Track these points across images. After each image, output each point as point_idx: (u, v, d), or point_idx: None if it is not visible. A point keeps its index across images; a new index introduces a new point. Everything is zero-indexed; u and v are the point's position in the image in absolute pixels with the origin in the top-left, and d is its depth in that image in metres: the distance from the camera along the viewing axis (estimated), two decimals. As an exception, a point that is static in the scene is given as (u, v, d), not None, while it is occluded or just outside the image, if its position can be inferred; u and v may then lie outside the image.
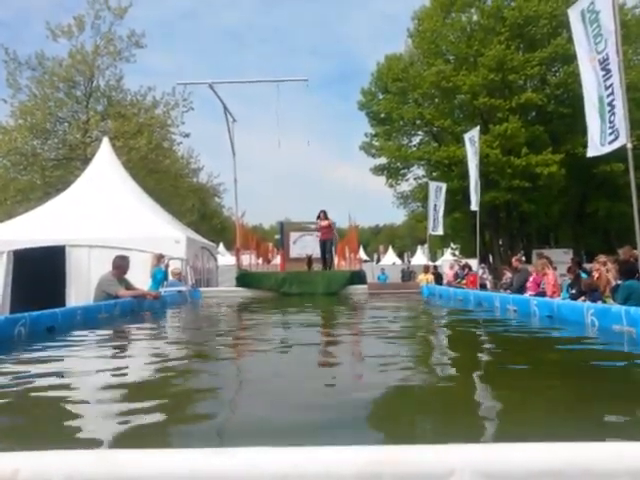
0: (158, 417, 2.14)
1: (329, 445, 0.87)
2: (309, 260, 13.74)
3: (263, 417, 2.03)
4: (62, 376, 3.06)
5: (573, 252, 24.80)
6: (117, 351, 3.75)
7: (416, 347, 4.10)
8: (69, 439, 1.76)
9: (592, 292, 8.13)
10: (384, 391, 2.51)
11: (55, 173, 22.10)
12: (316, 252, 14.03)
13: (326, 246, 13.65)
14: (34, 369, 3.15)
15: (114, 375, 3.01)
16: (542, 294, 9.45)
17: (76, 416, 2.14)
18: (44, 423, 2.04)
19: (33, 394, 2.52)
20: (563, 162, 23.46)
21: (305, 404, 2.28)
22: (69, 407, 2.30)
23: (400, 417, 2.11)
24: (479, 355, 3.63)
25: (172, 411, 2.23)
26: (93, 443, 1.71)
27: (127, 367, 3.30)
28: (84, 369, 3.18)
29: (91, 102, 23.08)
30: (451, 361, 3.43)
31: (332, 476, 0.82)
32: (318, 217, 13.82)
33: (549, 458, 0.82)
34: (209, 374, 3.11)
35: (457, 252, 36.49)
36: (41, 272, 11.26)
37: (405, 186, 30.68)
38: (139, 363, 3.38)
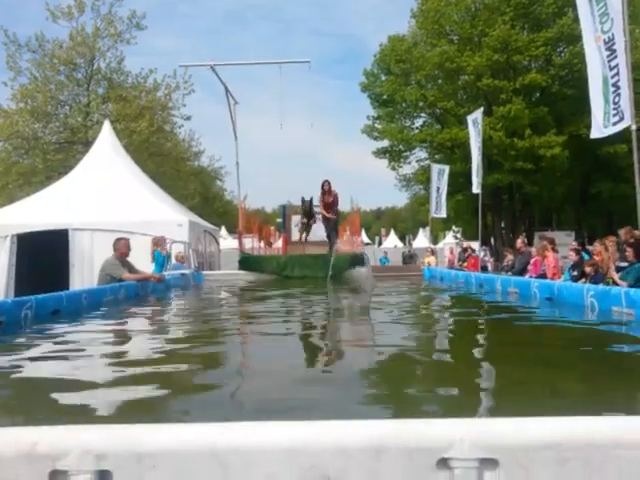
0: (167, 392, 2.20)
1: (336, 419, 0.90)
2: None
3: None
4: (74, 356, 3.12)
5: (576, 234, 24.80)
6: (125, 331, 3.80)
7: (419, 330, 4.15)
8: (83, 414, 1.81)
9: (594, 274, 8.17)
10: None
11: (57, 157, 22.06)
12: (316, 235, 13.64)
13: (328, 226, 12.52)
14: (45, 349, 3.22)
15: (123, 354, 3.07)
16: (543, 276, 9.49)
17: (89, 393, 2.20)
18: (58, 399, 2.09)
19: (46, 373, 2.59)
20: (567, 144, 23.29)
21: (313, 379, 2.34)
22: (83, 384, 2.36)
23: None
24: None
25: (180, 387, 2.29)
26: (105, 418, 1.76)
27: (134, 347, 3.36)
28: (94, 349, 3.24)
29: (92, 85, 22.96)
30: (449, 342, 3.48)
31: (339, 449, 0.85)
32: (322, 189, 12.34)
33: (541, 431, 0.86)
34: (214, 352, 3.18)
35: (459, 235, 36.47)
36: (44, 256, 11.33)
37: (407, 169, 30.56)
38: (146, 344, 3.44)
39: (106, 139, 14.94)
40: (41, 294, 4.67)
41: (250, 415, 1.78)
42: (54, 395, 2.13)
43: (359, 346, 3.46)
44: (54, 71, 22.28)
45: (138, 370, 2.62)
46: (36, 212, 12.12)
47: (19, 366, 2.75)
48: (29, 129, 22.02)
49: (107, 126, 15.46)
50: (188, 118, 24.86)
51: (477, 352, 3.13)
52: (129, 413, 1.86)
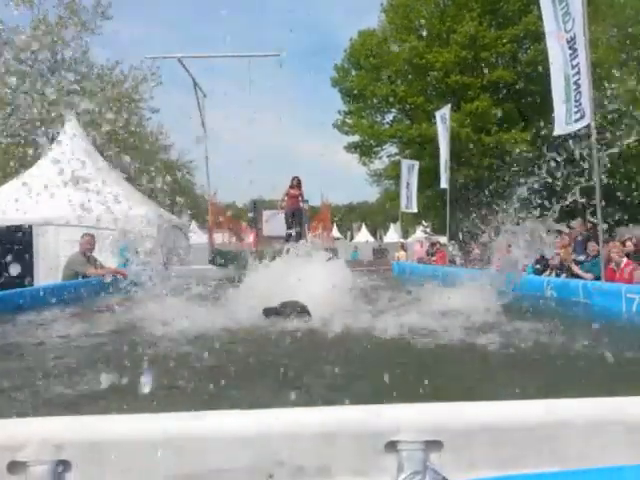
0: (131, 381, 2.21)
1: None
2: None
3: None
4: (37, 347, 3.09)
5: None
6: (87, 325, 3.76)
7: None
8: (46, 405, 1.82)
9: (560, 267, 8.44)
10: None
11: (19, 150, 21.40)
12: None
13: (295, 218, 12.61)
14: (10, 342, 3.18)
15: (86, 346, 3.05)
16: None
17: (55, 383, 2.20)
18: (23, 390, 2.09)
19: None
20: (532, 140, 23.84)
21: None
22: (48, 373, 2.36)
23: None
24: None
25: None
26: (61, 411, 1.78)
27: (100, 339, 3.33)
28: (56, 342, 3.21)
29: (56, 76, 22.33)
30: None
31: (292, 435, 0.90)
32: (291, 185, 12.67)
33: (479, 414, 0.92)
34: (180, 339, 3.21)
35: (428, 230, 36.97)
36: (7, 252, 11.01)
37: (378, 164, 30.76)
38: (111, 335, 3.42)
39: (71, 132, 14.59)
40: (3, 290, 4.58)
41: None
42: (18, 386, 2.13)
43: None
44: (16, 60, 21.59)
45: (100, 361, 2.62)
46: (-2, 207, 11.78)
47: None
48: (-10, 121, 21.34)
49: (72, 119, 15.09)
50: (156, 111, 24.48)
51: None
52: (83, 405, 1.89)
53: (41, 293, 4.99)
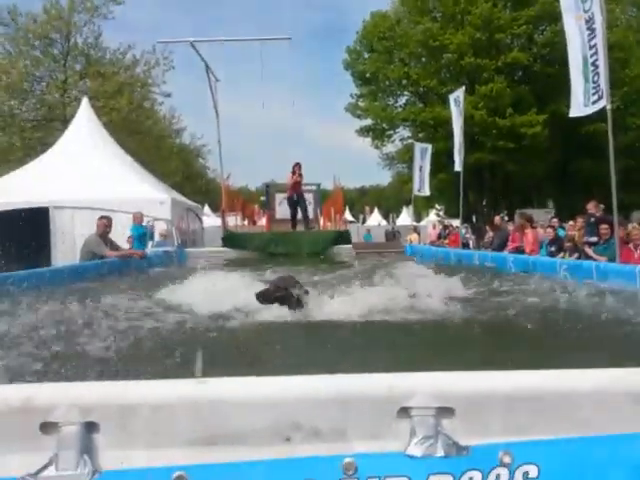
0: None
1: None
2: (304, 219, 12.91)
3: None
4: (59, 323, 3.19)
5: (555, 212, 25.19)
6: (108, 303, 3.84)
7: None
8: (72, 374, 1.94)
9: (574, 248, 8.40)
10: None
11: (34, 134, 21.62)
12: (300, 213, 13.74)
13: (299, 204, 12.78)
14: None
15: (108, 322, 3.15)
16: (522, 251, 9.72)
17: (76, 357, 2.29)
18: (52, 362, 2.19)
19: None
20: (547, 122, 23.51)
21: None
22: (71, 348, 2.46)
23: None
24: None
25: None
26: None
27: (122, 316, 3.42)
28: (78, 318, 3.30)
29: (69, 61, 22.41)
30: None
31: (310, 399, 0.94)
32: (293, 171, 12.78)
33: (491, 383, 0.95)
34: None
35: (441, 213, 36.77)
36: (25, 233, 11.20)
37: (391, 147, 30.56)
38: (133, 312, 3.50)
39: (85, 116, 14.69)
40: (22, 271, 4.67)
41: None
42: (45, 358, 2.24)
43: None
44: (28, 46, 21.66)
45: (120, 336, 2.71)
46: (15, 190, 11.95)
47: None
48: (5, 106, 21.50)
49: (85, 103, 15.17)
50: (168, 95, 24.49)
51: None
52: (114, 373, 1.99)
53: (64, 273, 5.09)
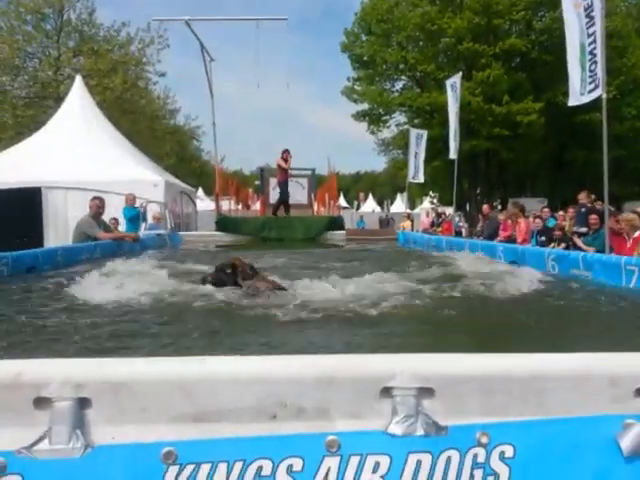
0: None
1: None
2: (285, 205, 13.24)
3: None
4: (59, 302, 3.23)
5: (548, 201, 25.30)
6: (104, 284, 3.86)
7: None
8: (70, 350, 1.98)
9: (563, 238, 8.48)
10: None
11: (27, 112, 21.34)
12: (294, 198, 13.86)
13: (283, 189, 13.03)
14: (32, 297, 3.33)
15: (106, 302, 3.19)
16: (513, 241, 9.79)
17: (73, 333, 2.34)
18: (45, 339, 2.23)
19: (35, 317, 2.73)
20: (543, 111, 23.48)
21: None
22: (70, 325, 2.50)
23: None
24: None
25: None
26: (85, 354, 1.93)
27: (118, 295, 3.45)
28: (77, 298, 3.34)
29: (62, 37, 22.08)
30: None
31: (295, 379, 0.97)
32: (283, 156, 12.93)
33: (469, 365, 0.99)
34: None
35: (435, 200, 36.82)
36: (17, 214, 11.15)
37: (386, 133, 30.44)
38: (128, 292, 3.52)
39: (78, 95, 14.53)
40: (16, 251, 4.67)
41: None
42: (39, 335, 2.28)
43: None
44: (20, 20, 21.30)
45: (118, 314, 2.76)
46: (7, 169, 11.84)
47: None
48: (-5, 82, 21.22)
49: (79, 81, 15.00)
50: (163, 74, 24.23)
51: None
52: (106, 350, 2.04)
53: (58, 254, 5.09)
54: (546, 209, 10.38)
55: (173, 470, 0.92)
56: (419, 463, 0.94)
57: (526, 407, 0.99)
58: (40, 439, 0.92)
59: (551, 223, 9.49)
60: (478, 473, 0.96)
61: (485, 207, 12.74)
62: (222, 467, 0.93)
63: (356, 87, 28.52)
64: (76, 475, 0.91)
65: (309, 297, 3.24)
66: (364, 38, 27.79)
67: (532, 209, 15.10)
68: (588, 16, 7.90)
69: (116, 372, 0.96)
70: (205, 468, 0.93)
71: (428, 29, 24.21)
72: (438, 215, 18.92)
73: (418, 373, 0.97)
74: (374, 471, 0.93)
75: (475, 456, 0.96)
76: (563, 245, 8.19)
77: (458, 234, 16.34)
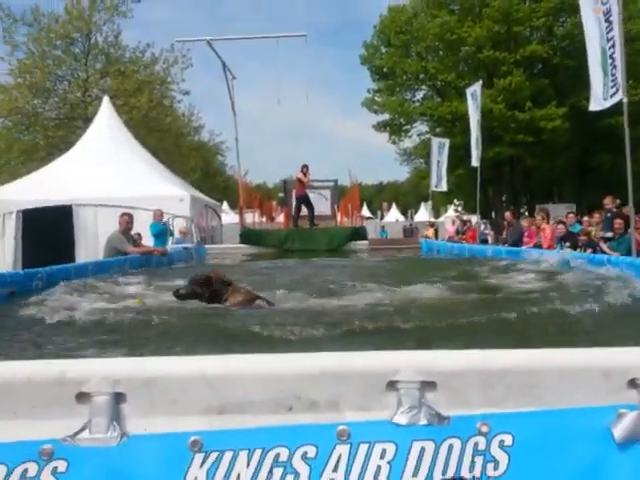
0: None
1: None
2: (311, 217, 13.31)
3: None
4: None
5: (576, 207, 24.87)
6: (135, 291, 4.03)
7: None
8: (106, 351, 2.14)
9: (588, 244, 8.38)
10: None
11: (57, 133, 22.09)
12: (317, 209, 13.95)
13: (303, 203, 13.11)
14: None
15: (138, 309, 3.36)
16: (539, 247, 9.70)
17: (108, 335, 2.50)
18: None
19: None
20: (567, 116, 23.19)
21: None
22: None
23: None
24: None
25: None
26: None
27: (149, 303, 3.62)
28: (113, 303, 3.52)
29: (90, 59, 22.81)
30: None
31: (307, 375, 1.06)
32: (302, 171, 13.11)
33: (469, 360, 1.07)
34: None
35: (460, 208, 36.53)
36: (49, 231, 11.54)
37: (408, 142, 30.43)
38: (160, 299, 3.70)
39: (106, 115, 15.00)
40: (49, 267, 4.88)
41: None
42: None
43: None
44: (51, 46, 22.12)
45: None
46: (39, 188, 12.30)
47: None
48: (29, 105, 21.99)
49: (106, 102, 15.49)
50: (187, 93, 24.78)
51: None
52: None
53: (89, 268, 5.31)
54: (571, 214, 10.27)
55: (199, 457, 1.02)
56: (423, 450, 1.02)
57: (524, 399, 1.06)
58: (82, 429, 1.03)
59: (576, 229, 9.38)
60: (479, 460, 1.03)
61: (507, 214, 12.66)
62: (243, 454, 1.03)
63: (376, 98, 28.66)
64: (113, 461, 1.02)
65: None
66: (383, 50, 27.96)
67: (559, 215, 14.91)
68: (607, 21, 7.88)
69: (148, 369, 1.07)
70: (228, 455, 1.02)
71: (447, 39, 24.25)
72: (464, 223, 18.80)
73: (421, 368, 1.05)
74: (381, 457, 1.02)
75: (476, 444, 1.04)
76: (589, 250, 8.10)
77: (484, 242, 16.21)
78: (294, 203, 13.85)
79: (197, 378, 1.06)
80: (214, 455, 1.02)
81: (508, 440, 1.04)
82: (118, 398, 1.04)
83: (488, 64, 24.73)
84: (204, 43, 12.66)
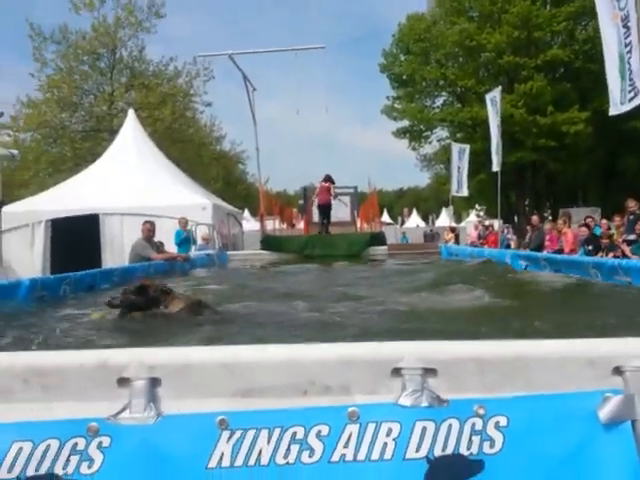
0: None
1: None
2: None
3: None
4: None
5: (601, 211, 24.49)
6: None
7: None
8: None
9: (611, 247, 8.32)
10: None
11: (84, 145, 22.71)
12: (336, 216, 14.18)
13: (325, 210, 13.48)
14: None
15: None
16: (561, 251, 9.66)
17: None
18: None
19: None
20: (590, 120, 22.95)
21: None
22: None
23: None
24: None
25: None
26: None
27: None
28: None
29: (115, 74, 23.43)
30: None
31: (320, 362, 1.19)
32: (324, 180, 13.55)
33: (467, 349, 1.18)
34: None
35: (482, 213, 36.29)
36: (77, 239, 11.91)
37: (428, 148, 30.45)
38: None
39: (131, 127, 15.41)
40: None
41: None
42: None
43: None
44: (78, 61, 22.81)
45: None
46: (67, 198, 12.70)
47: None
48: (56, 119, 22.67)
49: (131, 114, 15.92)
50: (209, 104, 25.24)
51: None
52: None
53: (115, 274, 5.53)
54: (589, 219, 10.20)
55: (225, 434, 1.15)
56: (424, 429, 1.13)
57: (517, 385, 1.17)
58: (122, 409, 1.17)
59: (597, 231, 9.31)
60: (476, 439, 1.14)
61: (535, 218, 12.59)
62: (264, 432, 1.15)
63: (396, 105, 28.77)
64: (150, 437, 1.16)
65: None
66: (403, 58, 28.10)
67: (582, 219, 14.76)
68: (625, 26, 7.89)
69: (180, 357, 1.21)
70: (251, 433, 1.15)
71: (467, 45, 24.27)
72: (486, 228, 18.72)
73: (423, 356, 1.17)
74: (387, 435, 1.13)
75: (473, 425, 1.15)
76: (612, 254, 8.05)
77: (507, 247, 16.11)
78: (317, 210, 14.12)
79: (223, 365, 1.19)
80: (239, 433, 1.15)
81: (503, 421, 1.15)
82: (154, 382, 1.18)
83: (508, 69, 24.66)
84: (225, 56, 12.96)
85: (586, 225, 9.07)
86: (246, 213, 30.89)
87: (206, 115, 27.57)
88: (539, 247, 10.74)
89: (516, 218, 28.31)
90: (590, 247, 8.80)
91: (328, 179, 13.42)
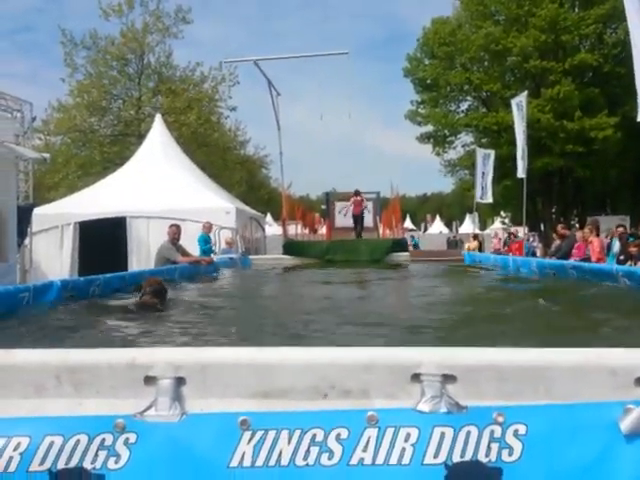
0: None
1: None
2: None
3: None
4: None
5: (631, 219, 23.89)
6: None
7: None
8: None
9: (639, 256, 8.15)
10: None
11: (112, 149, 23.20)
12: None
13: (358, 219, 15.09)
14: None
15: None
16: (588, 260, 9.48)
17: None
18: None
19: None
20: (620, 125, 22.44)
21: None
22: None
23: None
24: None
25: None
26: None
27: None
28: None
29: (143, 79, 23.90)
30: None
31: (341, 366, 1.21)
32: (355, 194, 15.35)
33: (486, 356, 1.19)
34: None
35: (507, 220, 35.77)
36: (105, 241, 12.16)
37: (452, 154, 30.16)
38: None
39: (158, 131, 15.70)
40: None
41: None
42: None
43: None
44: (107, 67, 23.34)
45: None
46: (95, 201, 12.99)
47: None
48: (86, 123, 23.24)
49: (159, 119, 16.22)
50: (234, 109, 25.53)
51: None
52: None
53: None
54: (620, 228, 9.98)
55: (247, 434, 1.18)
56: (443, 435, 1.14)
57: (536, 393, 1.17)
58: (149, 407, 1.21)
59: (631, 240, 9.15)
60: (494, 446, 1.14)
61: (560, 227, 12.39)
62: (285, 433, 1.18)
63: (420, 110, 28.60)
64: (174, 435, 1.19)
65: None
66: (427, 62, 27.94)
67: (610, 228, 14.45)
68: (655, 30, 7.74)
69: (205, 357, 1.24)
70: (272, 434, 1.18)
71: (492, 49, 24.03)
72: (510, 235, 18.49)
73: (442, 363, 1.18)
74: (405, 440, 1.15)
75: (492, 432, 1.15)
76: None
77: (533, 255, 15.88)
78: (344, 214, 15.70)
79: (246, 366, 1.22)
80: (260, 433, 1.18)
81: (522, 430, 1.15)
82: (179, 382, 1.22)
83: (535, 74, 24.33)
84: (250, 61, 13.12)
85: (620, 235, 8.90)
86: (268, 217, 31.07)
87: (231, 119, 27.92)
88: (568, 255, 10.56)
89: (542, 226, 27.82)
90: (622, 256, 8.64)
91: (358, 193, 15.09)
